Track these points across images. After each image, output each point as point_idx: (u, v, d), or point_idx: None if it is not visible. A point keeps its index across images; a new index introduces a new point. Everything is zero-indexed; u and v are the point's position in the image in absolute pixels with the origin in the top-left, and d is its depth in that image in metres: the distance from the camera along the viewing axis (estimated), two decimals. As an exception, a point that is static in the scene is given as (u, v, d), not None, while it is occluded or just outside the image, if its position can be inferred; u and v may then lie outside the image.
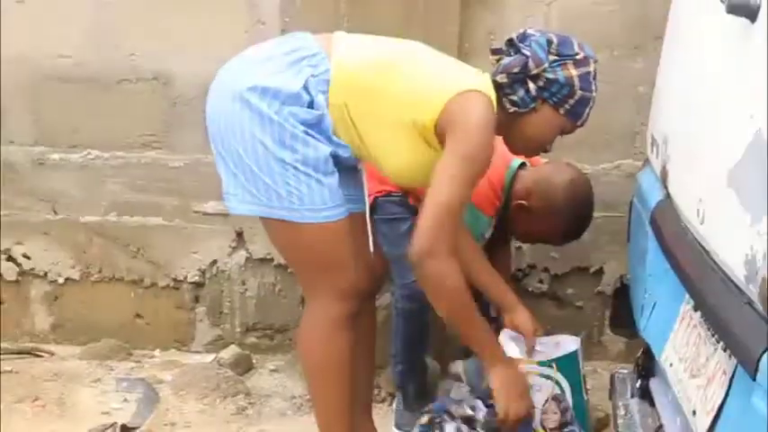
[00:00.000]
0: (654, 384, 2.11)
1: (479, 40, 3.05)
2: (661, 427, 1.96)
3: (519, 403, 2.22)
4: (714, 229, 1.63)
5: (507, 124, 2.23)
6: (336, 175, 2.22)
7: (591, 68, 2.20)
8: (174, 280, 3.28)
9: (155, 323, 3.33)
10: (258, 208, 2.23)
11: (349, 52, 2.26)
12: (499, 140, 2.46)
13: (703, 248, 1.68)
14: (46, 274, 3.37)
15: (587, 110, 2.22)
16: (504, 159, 2.59)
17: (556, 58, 2.17)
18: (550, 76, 2.16)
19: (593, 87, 2.20)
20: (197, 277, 3.28)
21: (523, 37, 2.22)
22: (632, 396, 2.16)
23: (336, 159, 2.22)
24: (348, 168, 2.30)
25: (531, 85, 2.17)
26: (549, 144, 2.29)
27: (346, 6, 2.97)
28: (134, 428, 2.78)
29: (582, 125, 2.27)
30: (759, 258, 1.35)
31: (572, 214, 2.59)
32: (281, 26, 3.04)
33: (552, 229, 2.62)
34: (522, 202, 2.58)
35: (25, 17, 3.16)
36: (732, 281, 1.50)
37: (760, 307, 1.36)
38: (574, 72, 2.17)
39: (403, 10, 2.97)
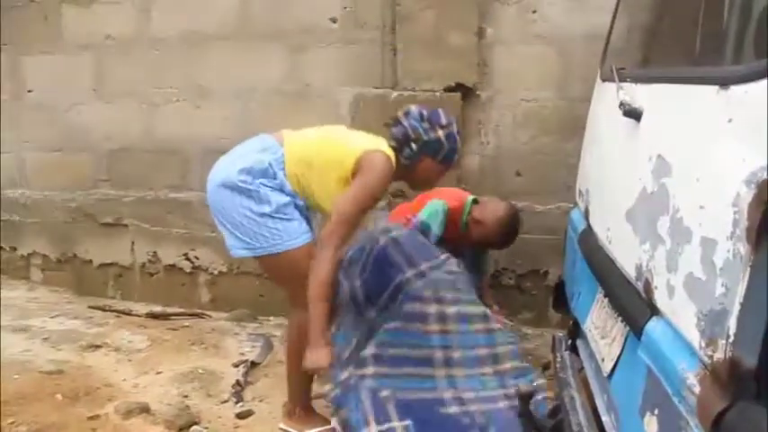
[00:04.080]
0: (579, 343, 2.10)
1: (472, 127, 3.08)
2: (582, 368, 1.96)
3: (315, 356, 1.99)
4: (617, 247, 1.64)
5: (406, 172, 2.15)
6: (298, 215, 2.09)
7: (453, 129, 2.12)
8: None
9: (271, 299, 3.34)
10: (251, 251, 2.08)
11: (294, 141, 2.13)
12: (452, 191, 2.57)
13: (610, 259, 1.69)
14: (207, 268, 3.44)
15: (455, 155, 2.15)
16: (464, 197, 2.70)
17: (428, 125, 2.10)
18: (425, 138, 2.10)
19: (457, 140, 2.13)
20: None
21: (406, 114, 2.13)
22: (566, 350, 2.13)
23: (297, 207, 2.10)
24: (305, 214, 2.15)
25: (414, 146, 2.10)
26: (437, 179, 2.20)
27: (389, 108, 2.95)
28: (258, 363, 2.82)
29: (453, 165, 2.22)
30: (644, 266, 1.37)
31: (504, 226, 2.67)
32: (351, 119, 3.08)
33: (493, 234, 2.67)
34: (476, 216, 2.66)
35: (204, 117, 3.29)
36: (627, 279, 1.51)
37: (644, 295, 1.37)
38: (441, 133, 2.10)
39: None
